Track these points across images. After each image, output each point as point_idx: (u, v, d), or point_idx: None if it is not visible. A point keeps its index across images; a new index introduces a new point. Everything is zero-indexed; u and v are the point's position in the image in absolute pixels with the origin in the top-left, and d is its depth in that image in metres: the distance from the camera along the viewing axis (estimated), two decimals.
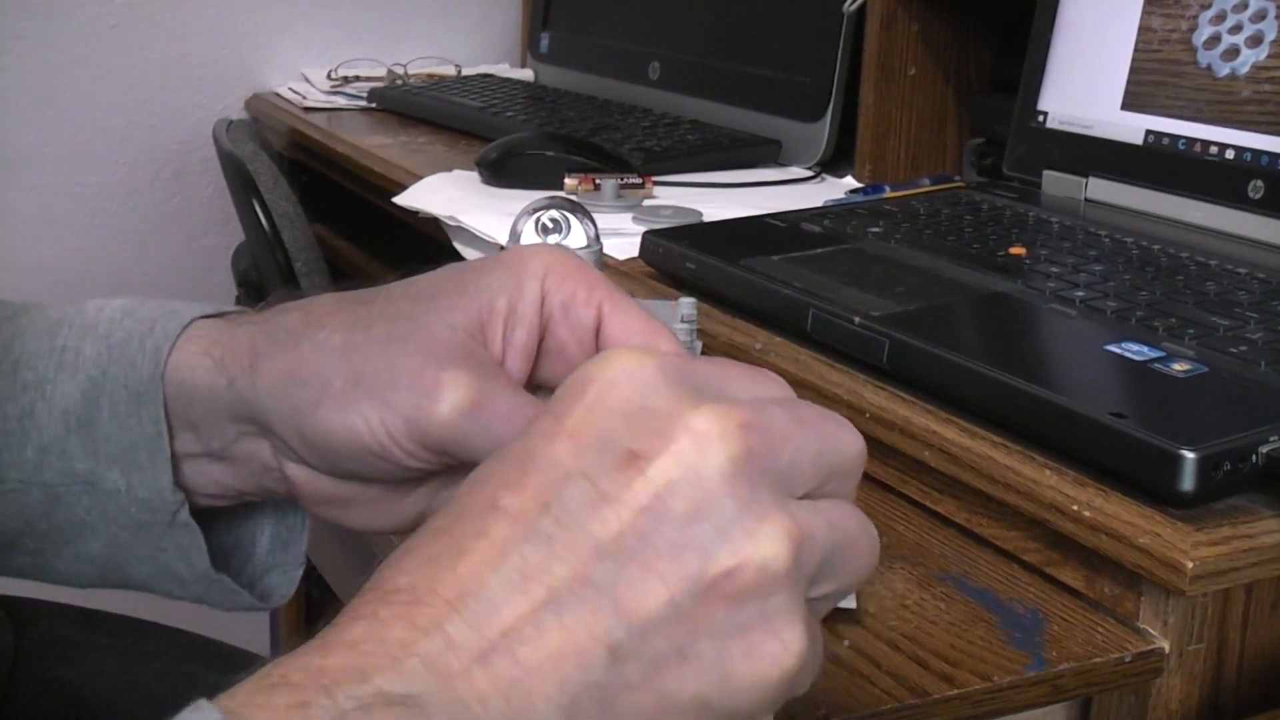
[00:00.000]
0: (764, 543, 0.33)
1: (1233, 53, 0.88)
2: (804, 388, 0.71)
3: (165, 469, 0.49)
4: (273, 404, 0.46)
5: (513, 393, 0.44)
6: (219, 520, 0.53)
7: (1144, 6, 0.94)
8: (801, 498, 0.36)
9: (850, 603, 0.55)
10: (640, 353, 0.36)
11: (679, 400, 0.35)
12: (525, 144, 1.20)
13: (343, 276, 1.46)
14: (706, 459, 0.34)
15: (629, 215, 1.04)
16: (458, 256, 1.07)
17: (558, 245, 0.49)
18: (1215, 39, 0.89)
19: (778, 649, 0.33)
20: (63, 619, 0.75)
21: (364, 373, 0.44)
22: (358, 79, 1.67)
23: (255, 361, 0.47)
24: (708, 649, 0.33)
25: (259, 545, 0.55)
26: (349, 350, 0.45)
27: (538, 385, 0.47)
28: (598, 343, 0.46)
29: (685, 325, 0.69)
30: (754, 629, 0.33)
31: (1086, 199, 0.96)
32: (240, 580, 0.53)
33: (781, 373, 0.71)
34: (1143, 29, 0.94)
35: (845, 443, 0.37)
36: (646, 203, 1.09)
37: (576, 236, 0.68)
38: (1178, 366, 0.63)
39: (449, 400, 0.43)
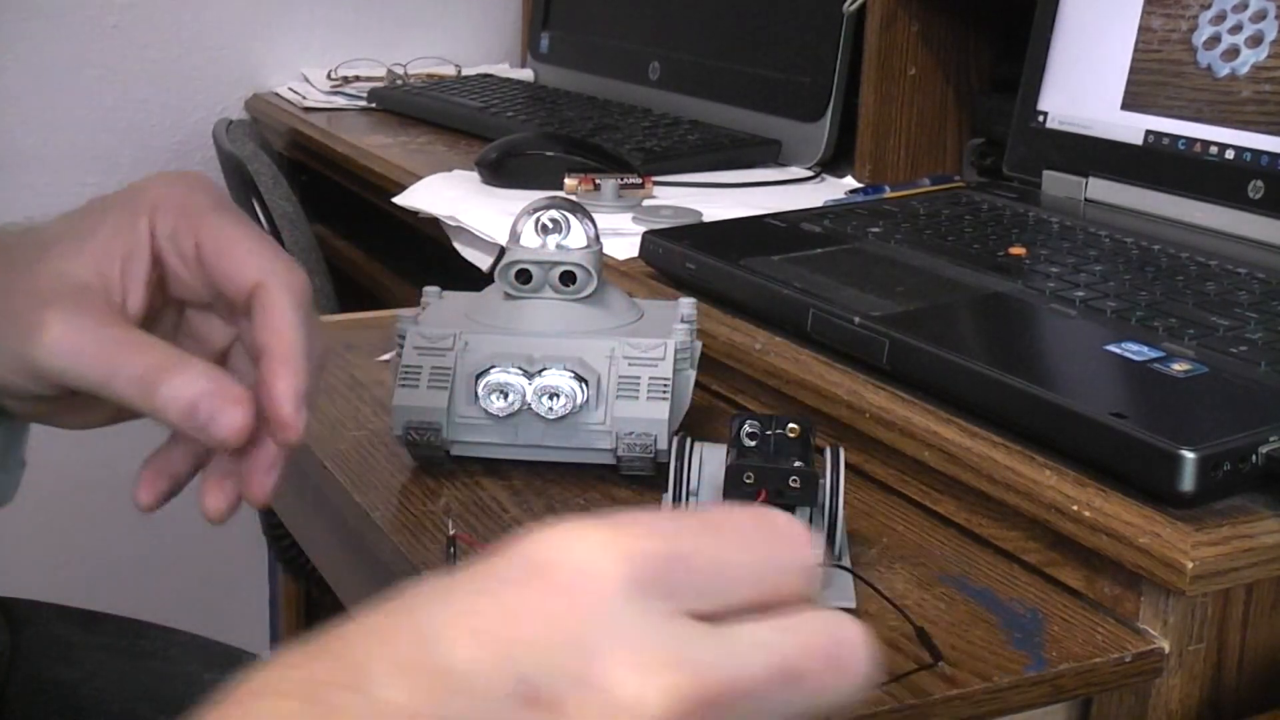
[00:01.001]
0: None
1: (1233, 53, 0.88)
2: (804, 388, 0.71)
3: None
4: None
5: (108, 328, 0.47)
6: None
7: (1144, 6, 0.94)
8: None
9: (850, 603, 0.55)
10: (615, 552, 0.30)
11: (629, 641, 0.29)
12: (525, 144, 1.20)
13: (343, 276, 1.46)
14: None
15: (629, 215, 1.04)
16: (458, 256, 1.07)
17: (181, 175, 0.53)
18: (1215, 39, 0.89)
19: None
20: (60, 619, 0.75)
21: None
22: (358, 79, 1.67)
23: None
24: None
25: None
26: None
27: (182, 301, 0.52)
28: (203, 269, 0.50)
29: (685, 325, 0.69)
30: None
31: (1086, 199, 0.96)
32: None
33: (781, 373, 0.72)
34: (1143, 29, 0.94)
35: (830, 688, 0.32)
36: (646, 203, 1.09)
37: (576, 236, 0.68)
38: (1178, 366, 0.63)
39: (45, 339, 0.47)
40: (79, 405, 0.52)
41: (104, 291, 0.49)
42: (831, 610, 0.33)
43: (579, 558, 0.30)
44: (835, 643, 0.32)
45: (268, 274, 0.48)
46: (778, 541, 0.33)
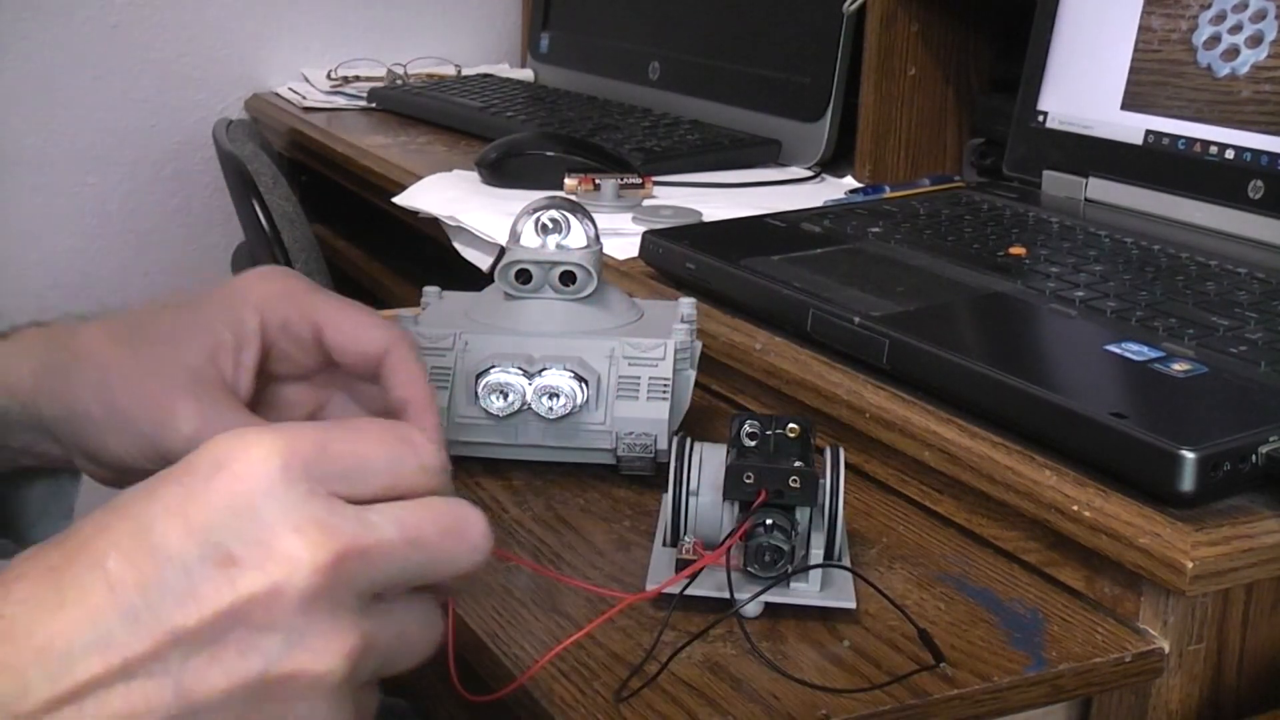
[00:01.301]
0: (324, 658, 0.39)
1: (1233, 53, 0.88)
2: (804, 388, 0.71)
3: None
4: (54, 429, 0.57)
5: (235, 415, 0.53)
6: None
7: (1144, 6, 0.94)
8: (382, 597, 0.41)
9: (850, 603, 0.55)
10: (271, 448, 0.39)
11: (288, 512, 0.39)
12: (525, 144, 1.20)
13: (343, 276, 1.46)
14: (291, 581, 0.38)
15: (629, 215, 1.04)
16: (458, 256, 1.07)
17: (273, 270, 0.59)
18: (1215, 39, 0.89)
19: None
20: None
21: (117, 406, 0.54)
22: (358, 79, 1.67)
23: (36, 393, 0.56)
24: None
25: (33, 494, 0.63)
26: (105, 387, 0.54)
27: (277, 377, 0.58)
28: (325, 346, 0.56)
29: (685, 325, 0.69)
30: None
31: (1086, 199, 0.96)
32: (13, 528, 0.63)
33: (781, 373, 0.72)
34: (1143, 29, 0.94)
35: (452, 554, 0.41)
36: (646, 203, 1.09)
37: (576, 236, 0.68)
38: (1178, 366, 0.63)
39: (181, 427, 0.53)
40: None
41: (222, 381, 0.55)
42: (456, 497, 0.42)
43: (248, 454, 0.39)
44: (455, 519, 0.42)
45: (392, 340, 0.55)
46: (406, 445, 0.42)
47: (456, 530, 0.42)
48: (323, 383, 0.60)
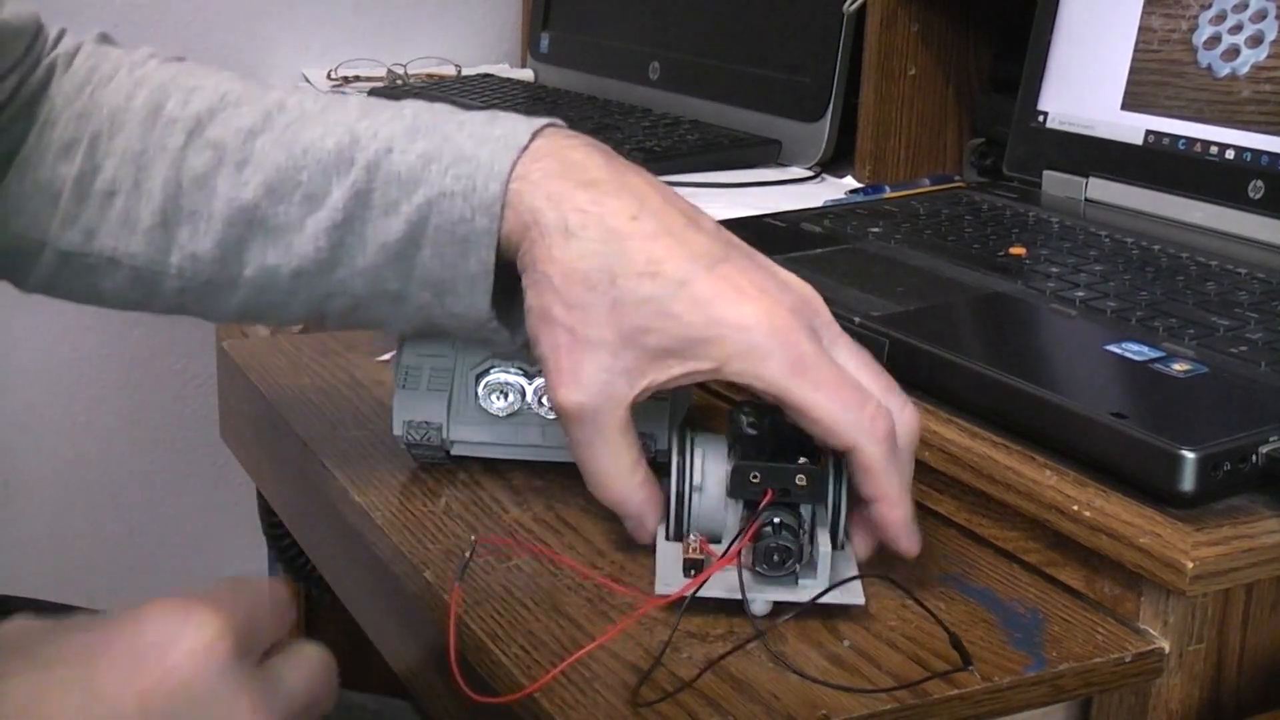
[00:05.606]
0: None
1: (1233, 53, 0.88)
2: None
3: (485, 298, 0.59)
4: None
5: None
6: None
7: (1144, 6, 0.94)
8: None
9: (859, 599, 0.55)
10: (220, 629, 0.41)
11: (240, 694, 0.41)
12: None
13: None
14: None
15: None
16: None
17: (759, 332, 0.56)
18: (1215, 39, 0.89)
19: None
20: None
21: None
22: (358, 79, 1.67)
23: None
24: None
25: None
26: None
27: None
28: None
29: None
30: None
31: (1086, 199, 0.96)
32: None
33: None
34: (1143, 29, 0.94)
35: (329, 699, 0.45)
36: None
37: None
38: (1178, 366, 0.63)
39: None
40: None
41: None
42: (304, 648, 0.46)
43: (200, 635, 0.40)
44: (327, 666, 0.46)
45: (859, 439, 0.53)
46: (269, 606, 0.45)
47: (330, 678, 0.46)
48: None
